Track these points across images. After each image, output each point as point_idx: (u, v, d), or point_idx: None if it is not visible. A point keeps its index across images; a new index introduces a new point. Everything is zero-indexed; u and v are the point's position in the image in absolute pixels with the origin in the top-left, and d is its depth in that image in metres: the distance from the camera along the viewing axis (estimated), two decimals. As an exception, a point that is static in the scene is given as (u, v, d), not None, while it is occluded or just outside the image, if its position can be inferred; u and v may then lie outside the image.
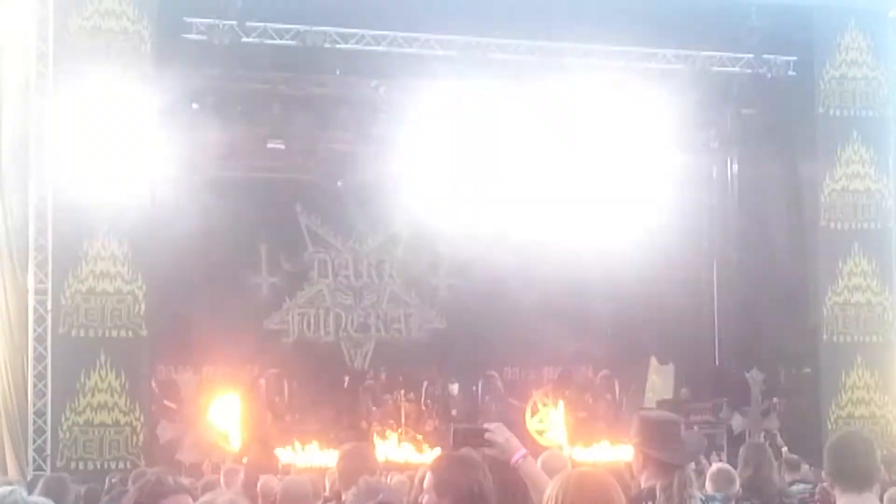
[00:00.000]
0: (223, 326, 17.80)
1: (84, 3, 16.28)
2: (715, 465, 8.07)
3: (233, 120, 18.26)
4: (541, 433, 18.47)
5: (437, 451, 13.65)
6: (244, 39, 17.43)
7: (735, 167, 21.19)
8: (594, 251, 18.71)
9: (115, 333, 16.17)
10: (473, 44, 18.19)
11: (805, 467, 10.86)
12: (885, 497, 6.96)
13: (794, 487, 8.74)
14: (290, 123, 18.70)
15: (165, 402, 17.56)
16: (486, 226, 18.62)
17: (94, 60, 16.09)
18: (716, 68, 19.15)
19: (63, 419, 15.89)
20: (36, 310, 16.10)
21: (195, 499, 4.41)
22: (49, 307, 16.05)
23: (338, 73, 18.69)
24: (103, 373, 16.04)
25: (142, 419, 16.27)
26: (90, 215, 16.04)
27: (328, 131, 19.24)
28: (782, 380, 19.76)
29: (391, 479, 8.88)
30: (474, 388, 20.33)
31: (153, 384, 17.44)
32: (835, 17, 19.12)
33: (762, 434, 17.82)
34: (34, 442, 15.89)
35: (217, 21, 17.24)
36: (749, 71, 19.21)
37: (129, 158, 16.24)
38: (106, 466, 15.39)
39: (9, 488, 4.78)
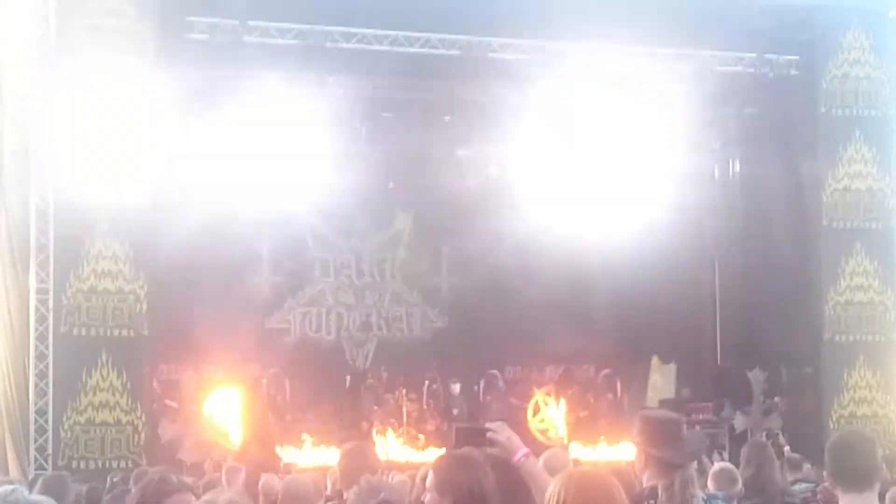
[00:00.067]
0: (225, 325, 17.75)
1: (86, 2, 16.25)
2: (717, 465, 8.06)
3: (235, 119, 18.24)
4: (542, 432, 18.47)
5: (439, 450, 13.64)
6: (246, 39, 17.42)
7: (737, 166, 21.14)
8: (596, 251, 18.71)
9: (116, 332, 16.17)
10: (475, 43, 18.19)
11: (807, 466, 10.88)
12: (887, 497, 6.96)
13: (796, 487, 8.73)
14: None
15: (167, 401, 17.56)
16: (488, 225, 18.63)
17: (95, 60, 16.08)
18: (718, 68, 19.12)
19: (64, 418, 15.88)
20: (37, 309, 16.10)
21: (198, 497, 4.41)
22: (50, 306, 16.04)
23: (340, 73, 18.66)
24: (105, 372, 16.03)
25: (143, 418, 16.26)
26: (92, 214, 16.03)
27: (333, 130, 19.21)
28: (784, 379, 19.73)
29: (393, 479, 8.89)
30: (476, 387, 20.30)
31: (155, 383, 17.45)
32: (837, 17, 19.12)
33: (764, 433, 17.80)
34: (35, 441, 15.88)
35: (219, 20, 17.25)
36: (751, 70, 19.18)
37: (131, 158, 16.24)
38: (107, 465, 15.38)
39: (10, 487, 4.77)
